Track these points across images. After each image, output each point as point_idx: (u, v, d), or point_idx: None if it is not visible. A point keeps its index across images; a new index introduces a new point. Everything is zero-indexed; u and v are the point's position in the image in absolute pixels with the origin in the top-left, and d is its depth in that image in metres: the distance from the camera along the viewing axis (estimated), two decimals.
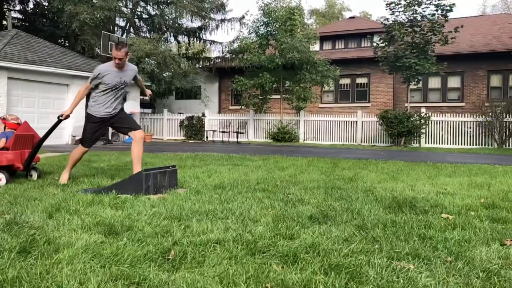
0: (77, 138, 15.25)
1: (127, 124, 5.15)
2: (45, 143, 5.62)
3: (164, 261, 2.25)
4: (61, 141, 15.22)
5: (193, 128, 19.54)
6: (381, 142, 16.45)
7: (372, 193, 4.38)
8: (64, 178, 5.07)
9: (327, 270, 2.12)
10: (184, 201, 3.81)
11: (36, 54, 14.93)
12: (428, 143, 15.85)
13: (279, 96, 17.95)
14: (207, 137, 18.86)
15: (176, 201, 3.79)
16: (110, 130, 16.89)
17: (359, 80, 19.90)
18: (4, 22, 22.86)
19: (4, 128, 5.58)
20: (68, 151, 10.51)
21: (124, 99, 5.07)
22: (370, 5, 58.35)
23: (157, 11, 21.47)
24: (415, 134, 15.60)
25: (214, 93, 22.78)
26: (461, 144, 15.47)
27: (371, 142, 16.59)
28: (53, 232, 2.72)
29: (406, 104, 17.05)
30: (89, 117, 5.11)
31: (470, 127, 15.48)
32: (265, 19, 17.16)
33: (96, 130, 5.09)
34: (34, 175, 5.45)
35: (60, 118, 4.99)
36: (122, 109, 5.25)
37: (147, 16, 22.38)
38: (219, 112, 22.05)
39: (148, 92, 5.74)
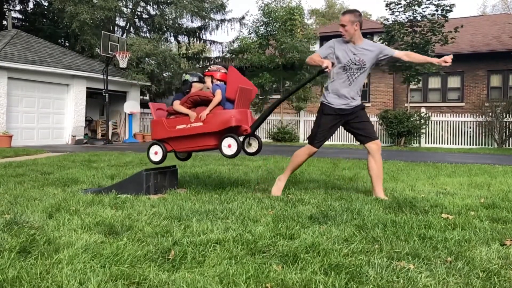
0: (77, 138, 15.26)
1: (364, 132, 4.15)
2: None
3: (164, 261, 2.25)
4: (61, 141, 15.22)
5: None
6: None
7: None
8: (278, 187, 4.22)
9: (327, 270, 2.12)
10: (184, 201, 3.81)
11: (36, 54, 14.93)
12: (428, 143, 15.84)
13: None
14: None
15: (176, 201, 3.79)
16: (110, 128, 16.94)
17: None
18: (4, 22, 22.85)
19: (212, 82, 4.46)
20: (68, 151, 10.51)
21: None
22: (370, 5, 58.35)
23: (157, 11, 21.46)
24: (415, 134, 15.60)
25: None
26: (461, 144, 15.47)
27: None
28: (53, 232, 2.72)
29: (406, 104, 17.06)
30: (323, 108, 4.17)
31: (470, 127, 15.48)
32: (265, 19, 17.16)
33: (331, 126, 4.15)
34: (255, 144, 4.38)
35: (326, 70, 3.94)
36: (362, 105, 4.19)
37: (147, 16, 22.38)
38: None
39: (441, 60, 3.94)
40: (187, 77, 4.57)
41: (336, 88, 4.07)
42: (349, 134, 5.06)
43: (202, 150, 4.30)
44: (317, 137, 4.14)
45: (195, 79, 4.52)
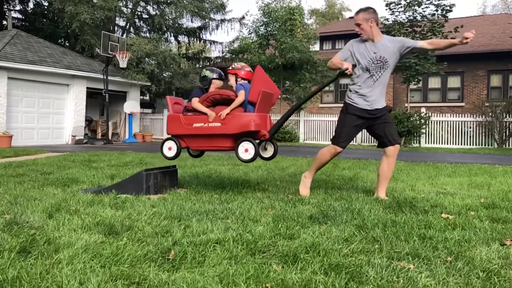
0: (77, 138, 15.26)
1: (387, 135, 4.00)
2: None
3: (164, 261, 2.25)
4: (61, 141, 15.22)
5: None
6: None
7: (372, 193, 4.38)
8: (305, 185, 4.12)
9: (327, 270, 2.12)
10: (184, 201, 3.81)
11: (36, 54, 14.94)
12: (428, 143, 15.84)
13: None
14: None
15: (176, 201, 3.79)
16: (110, 128, 16.94)
17: None
18: (4, 22, 22.86)
19: (236, 81, 4.31)
20: (68, 151, 10.51)
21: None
22: (370, 5, 58.27)
23: (157, 11, 21.47)
24: (415, 134, 15.60)
25: None
26: (461, 144, 15.47)
27: (371, 142, 16.58)
28: (53, 232, 2.72)
29: (406, 104, 17.06)
30: (347, 108, 4.04)
31: (470, 127, 15.48)
32: (265, 19, 17.17)
33: (355, 125, 4.02)
34: (270, 149, 4.32)
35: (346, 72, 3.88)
36: (387, 108, 4.05)
37: (147, 16, 22.39)
38: None
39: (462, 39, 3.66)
40: (206, 73, 4.44)
41: (360, 89, 3.96)
42: None
43: (217, 150, 4.24)
44: (341, 137, 4.02)
45: (215, 75, 4.39)
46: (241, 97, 4.03)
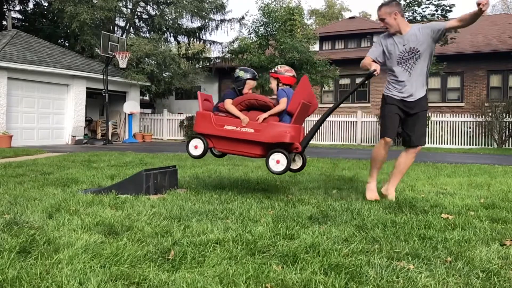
0: (77, 138, 15.26)
1: (415, 135, 3.95)
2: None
3: (164, 261, 2.25)
4: (61, 141, 15.22)
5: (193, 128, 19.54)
6: None
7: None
8: (371, 190, 3.97)
9: (327, 270, 2.12)
10: (184, 201, 3.81)
11: (36, 54, 14.94)
12: (428, 143, 15.84)
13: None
14: None
15: (176, 201, 3.79)
16: (110, 128, 16.94)
17: (359, 80, 19.89)
18: (4, 22, 22.86)
19: (278, 85, 4.13)
20: (68, 151, 10.51)
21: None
22: (370, 5, 58.34)
23: (157, 11, 21.47)
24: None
25: (214, 93, 22.77)
26: (461, 144, 15.47)
27: (371, 142, 16.58)
28: (53, 232, 2.72)
29: None
30: (385, 99, 4.00)
31: (470, 127, 15.48)
32: (264, 19, 17.16)
33: (397, 113, 3.90)
34: (299, 161, 4.14)
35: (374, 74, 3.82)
36: (425, 107, 3.94)
37: (147, 16, 22.38)
38: None
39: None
40: (240, 73, 4.28)
41: (396, 81, 3.90)
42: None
43: (244, 156, 4.08)
44: (387, 127, 3.93)
45: (249, 75, 4.26)
46: (282, 105, 3.90)
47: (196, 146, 4.13)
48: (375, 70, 3.77)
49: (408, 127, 3.98)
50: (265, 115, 3.93)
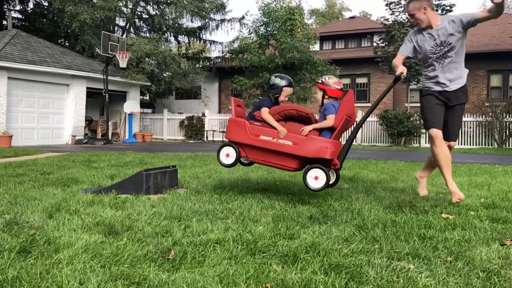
0: (77, 138, 15.26)
1: (449, 130, 3.83)
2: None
3: (164, 261, 2.25)
4: (61, 141, 15.22)
5: (193, 128, 19.55)
6: (381, 142, 16.45)
7: (374, 193, 4.38)
8: (454, 191, 3.62)
9: (327, 270, 2.12)
10: (184, 201, 3.81)
11: (36, 54, 14.94)
12: (428, 143, 15.81)
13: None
14: (207, 137, 18.86)
15: (176, 201, 3.79)
16: (110, 128, 16.93)
17: (359, 80, 19.91)
18: (4, 22, 22.86)
19: (323, 96, 3.97)
20: (68, 151, 10.51)
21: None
22: (370, 5, 58.35)
23: (157, 11, 21.46)
24: (415, 134, 15.60)
25: (214, 93, 22.78)
26: (461, 144, 15.47)
27: (371, 142, 16.59)
28: (53, 232, 2.72)
29: (406, 104, 17.06)
30: (422, 92, 3.92)
31: (470, 127, 15.47)
32: (265, 19, 17.15)
33: (437, 103, 3.77)
34: (332, 176, 3.94)
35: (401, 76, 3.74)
36: (464, 99, 3.81)
37: (147, 16, 22.38)
38: (219, 112, 22.06)
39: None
40: (276, 80, 4.16)
41: (430, 74, 3.82)
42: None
43: (277, 168, 3.90)
44: (427, 119, 3.79)
45: (285, 83, 4.15)
46: (330, 122, 3.74)
47: (228, 154, 3.97)
48: (401, 73, 3.70)
49: (444, 123, 3.81)
50: (310, 128, 3.76)
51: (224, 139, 17.95)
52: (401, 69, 3.73)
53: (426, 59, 3.82)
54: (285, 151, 3.72)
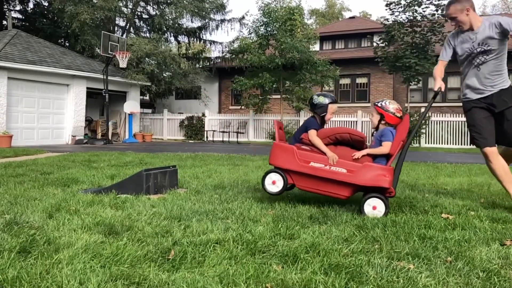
0: (77, 138, 15.26)
1: (504, 136, 3.61)
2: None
3: (164, 261, 2.25)
4: (61, 141, 15.23)
5: (193, 128, 19.56)
6: None
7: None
8: None
9: (327, 270, 2.12)
10: (184, 201, 3.81)
11: (36, 54, 14.94)
12: (428, 143, 15.84)
13: (279, 96, 17.94)
14: (207, 137, 18.87)
15: (176, 201, 3.79)
16: (110, 128, 16.94)
17: (359, 80, 19.92)
18: (4, 22, 22.87)
19: (379, 121, 3.75)
20: (68, 151, 10.51)
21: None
22: (370, 5, 58.36)
23: (157, 11, 21.47)
24: (415, 134, 15.60)
25: (214, 93, 22.78)
26: (461, 144, 15.47)
27: (371, 142, 16.57)
28: (53, 232, 2.72)
29: (406, 104, 17.05)
30: (464, 107, 3.75)
31: None
32: (265, 19, 17.15)
33: (484, 117, 3.58)
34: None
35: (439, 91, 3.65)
36: (507, 100, 3.56)
37: (147, 16, 22.39)
38: (219, 112, 22.06)
39: None
40: (320, 99, 3.93)
41: (468, 80, 3.69)
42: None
43: (328, 196, 3.61)
44: (475, 138, 3.62)
45: (329, 100, 3.92)
46: (385, 149, 3.53)
47: (274, 182, 3.67)
48: (440, 89, 3.61)
49: (497, 129, 3.62)
50: (364, 153, 3.55)
51: (224, 140, 17.93)
52: (439, 84, 3.62)
53: (464, 63, 3.69)
54: (339, 179, 3.47)
